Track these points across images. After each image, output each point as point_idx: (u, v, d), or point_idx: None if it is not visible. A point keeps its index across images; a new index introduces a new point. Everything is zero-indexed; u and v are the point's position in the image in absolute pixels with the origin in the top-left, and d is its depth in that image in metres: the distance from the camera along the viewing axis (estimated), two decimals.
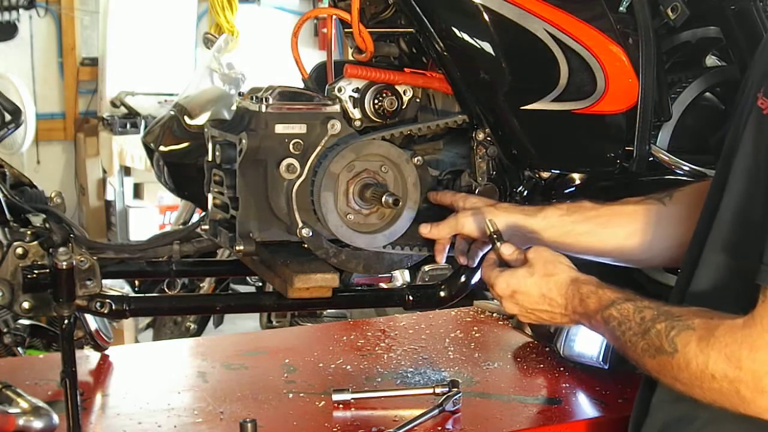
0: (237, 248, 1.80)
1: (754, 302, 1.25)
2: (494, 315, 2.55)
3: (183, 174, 3.67)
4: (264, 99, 1.79)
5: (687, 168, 1.98)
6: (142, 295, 3.74)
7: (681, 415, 1.42)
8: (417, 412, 1.82)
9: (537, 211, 1.76)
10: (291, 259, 1.81)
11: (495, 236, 1.66)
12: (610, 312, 1.43)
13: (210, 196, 1.95)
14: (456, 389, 1.87)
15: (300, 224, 1.80)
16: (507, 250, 1.63)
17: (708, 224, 1.43)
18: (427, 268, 2.94)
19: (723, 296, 1.38)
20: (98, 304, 1.78)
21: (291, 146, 1.80)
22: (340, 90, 1.85)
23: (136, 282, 4.10)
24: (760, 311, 1.24)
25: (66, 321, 1.70)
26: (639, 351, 1.37)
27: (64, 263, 1.67)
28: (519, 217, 1.75)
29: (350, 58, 1.94)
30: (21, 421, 1.63)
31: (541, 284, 1.56)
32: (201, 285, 4.33)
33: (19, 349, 2.49)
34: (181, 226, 3.57)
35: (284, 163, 1.79)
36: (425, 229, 1.83)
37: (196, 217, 4.46)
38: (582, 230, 1.74)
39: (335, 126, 1.81)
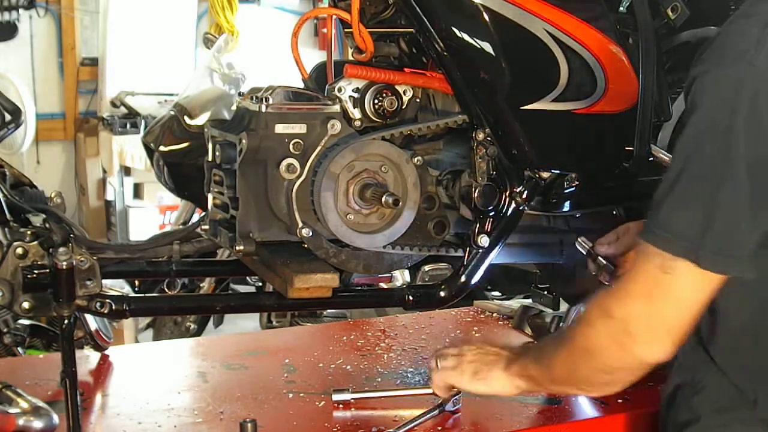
0: (237, 248, 1.80)
1: None
2: (494, 315, 2.55)
3: (183, 174, 3.67)
4: (264, 99, 1.79)
5: None
6: (142, 295, 3.74)
7: (686, 379, 1.51)
8: (417, 411, 1.82)
9: None
10: (291, 259, 1.81)
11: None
12: (528, 356, 1.58)
13: (210, 196, 1.95)
14: (456, 389, 1.87)
15: (300, 224, 1.80)
16: None
17: None
18: (427, 268, 2.93)
19: None
20: (98, 304, 1.78)
21: (291, 146, 1.80)
22: (340, 90, 1.85)
23: (136, 282, 4.10)
24: (633, 267, 1.34)
25: (66, 321, 1.70)
26: (554, 354, 1.49)
27: (64, 263, 1.67)
28: None
29: (350, 58, 1.94)
30: (21, 421, 1.63)
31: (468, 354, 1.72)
32: (201, 285, 4.33)
33: (19, 349, 2.49)
34: (181, 226, 3.57)
35: (284, 163, 1.79)
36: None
37: (196, 217, 4.46)
38: None
39: (335, 126, 1.81)
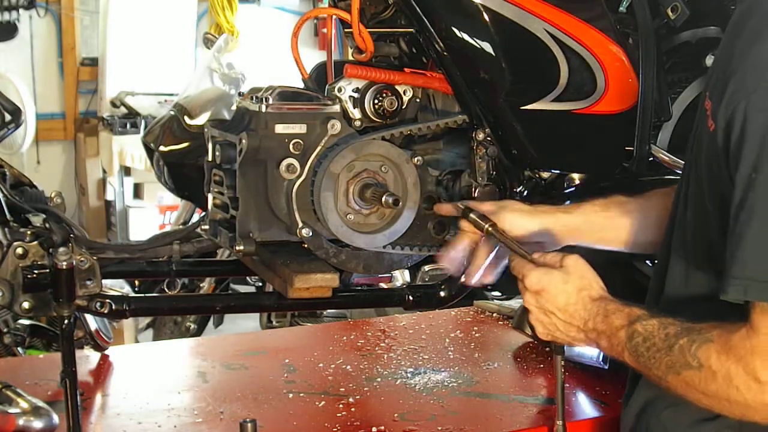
0: (237, 248, 1.80)
1: (746, 313, 1.25)
2: (494, 315, 2.55)
3: (183, 174, 3.67)
4: (264, 99, 1.80)
5: None
6: (142, 295, 3.73)
7: (656, 394, 1.45)
8: (416, 417, 1.81)
9: (574, 209, 1.72)
10: (291, 259, 1.81)
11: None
12: (635, 328, 1.38)
13: (210, 196, 1.95)
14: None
15: (300, 224, 1.80)
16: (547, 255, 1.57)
17: (672, 225, 1.46)
18: (427, 268, 2.93)
19: (688, 299, 1.41)
20: (98, 304, 1.78)
21: (291, 146, 1.80)
22: (340, 90, 1.85)
23: (136, 282, 4.10)
24: (757, 322, 1.23)
25: (66, 321, 1.70)
26: (663, 368, 1.34)
27: (64, 263, 1.67)
28: (558, 216, 1.70)
29: (350, 58, 1.94)
30: (21, 421, 1.63)
31: (571, 295, 1.49)
32: (201, 285, 4.33)
33: (19, 349, 2.49)
34: (181, 226, 3.57)
35: (284, 163, 1.79)
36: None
37: (196, 217, 4.46)
38: (622, 224, 1.69)
39: (335, 126, 1.81)
